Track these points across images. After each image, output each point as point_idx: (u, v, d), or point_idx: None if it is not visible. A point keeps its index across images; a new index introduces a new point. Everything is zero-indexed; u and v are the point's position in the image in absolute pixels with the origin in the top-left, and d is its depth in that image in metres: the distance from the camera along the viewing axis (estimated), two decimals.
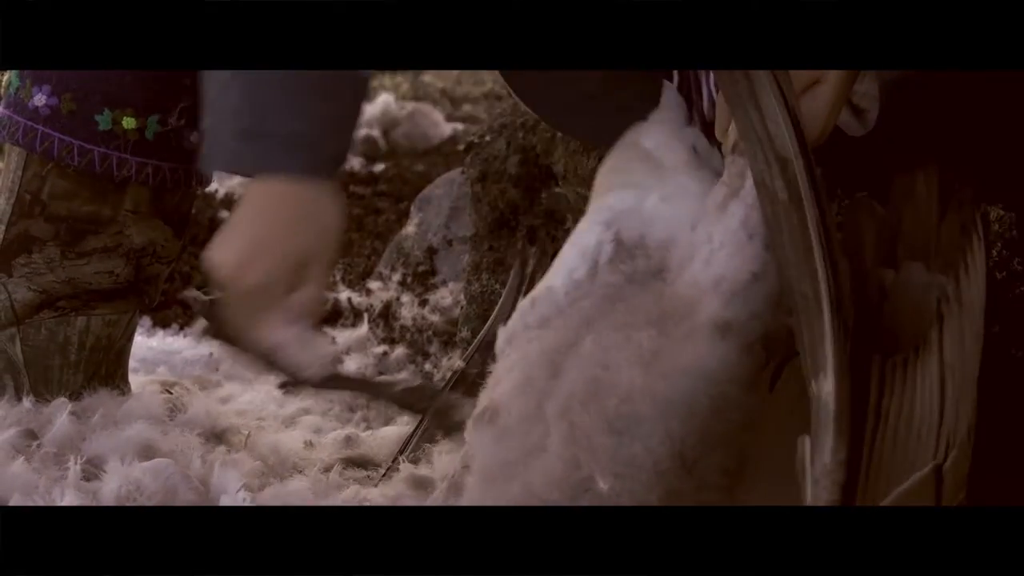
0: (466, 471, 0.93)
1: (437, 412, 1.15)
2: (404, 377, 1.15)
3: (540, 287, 0.95)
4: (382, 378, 1.18)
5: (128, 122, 1.20)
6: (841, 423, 0.76)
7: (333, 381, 1.13)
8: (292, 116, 1.02)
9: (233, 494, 1.05)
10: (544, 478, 0.86)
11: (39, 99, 1.20)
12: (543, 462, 0.86)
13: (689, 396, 0.84)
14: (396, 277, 1.78)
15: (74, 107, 1.19)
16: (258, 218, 1.04)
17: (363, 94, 1.07)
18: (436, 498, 1.04)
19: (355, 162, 2.49)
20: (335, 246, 1.06)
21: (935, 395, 0.79)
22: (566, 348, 0.89)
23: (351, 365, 1.52)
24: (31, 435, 1.14)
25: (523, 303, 0.95)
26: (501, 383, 0.92)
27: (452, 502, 0.96)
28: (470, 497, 0.91)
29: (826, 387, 0.77)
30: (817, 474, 0.75)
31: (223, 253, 1.03)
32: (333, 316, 1.73)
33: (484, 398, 0.93)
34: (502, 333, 0.96)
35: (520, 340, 0.94)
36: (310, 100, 1.02)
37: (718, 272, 0.87)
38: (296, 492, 1.08)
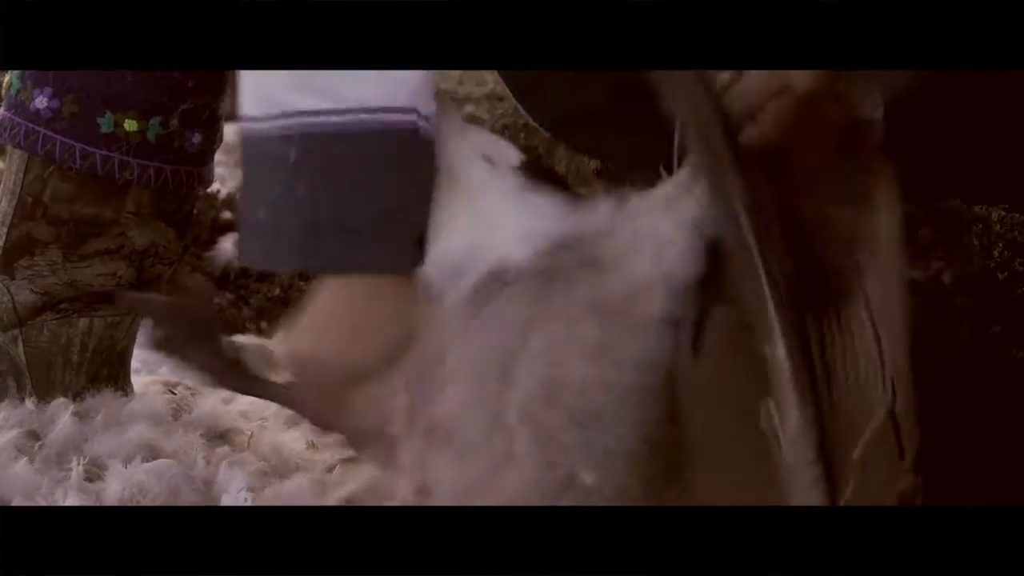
0: (423, 495, 0.90)
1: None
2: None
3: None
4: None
5: (130, 124, 1.20)
6: (800, 383, 0.78)
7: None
8: (369, 208, 0.91)
9: (235, 494, 1.05)
10: (519, 485, 0.86)
11: (40, 101, 1.20)
12: (513, 470, 0.86)
13: (643, 383, 0.86)
14: None
15: (76, 109, 1.19)
16: (340, 316, 0.94)
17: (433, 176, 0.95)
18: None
19: None
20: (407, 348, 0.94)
21: (871, 340, 0.81)
22: (512, 352, 0.89)
23: None
24: (33, 436, 1.14)
25: None
26: (445, 398, 0.90)
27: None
28: None
29: (779, 352, 0.79)
30: (793, 436, 0.77)
31: (306, 346, 0.94)
32: None
33: (422, 415, 0.91)
34: None
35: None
36: (384, 190, 0.91)
37: (667, 268, 0.88)
38: (296, 492, 1.08)
